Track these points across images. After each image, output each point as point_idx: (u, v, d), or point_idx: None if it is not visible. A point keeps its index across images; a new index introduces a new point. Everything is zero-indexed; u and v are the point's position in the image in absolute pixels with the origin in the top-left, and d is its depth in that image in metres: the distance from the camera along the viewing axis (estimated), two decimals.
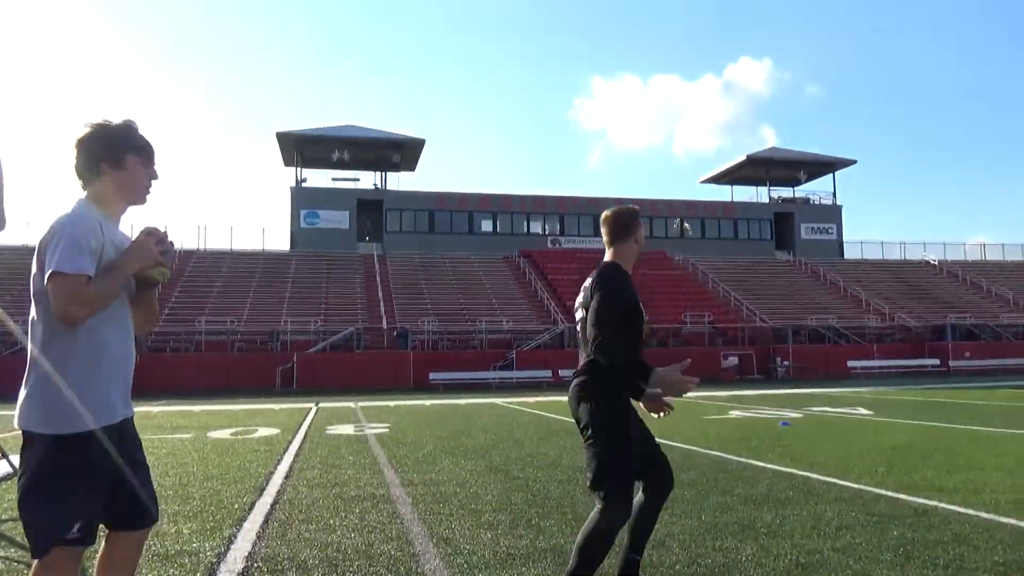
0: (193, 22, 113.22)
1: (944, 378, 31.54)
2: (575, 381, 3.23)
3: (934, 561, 3.85)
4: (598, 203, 49.74)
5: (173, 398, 23.68)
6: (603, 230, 3.45)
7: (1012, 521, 4.73)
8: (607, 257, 3.37)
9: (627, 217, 3.40)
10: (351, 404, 19.87)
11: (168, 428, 12.92)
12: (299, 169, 47.52)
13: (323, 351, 32.84)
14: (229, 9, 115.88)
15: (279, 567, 3.95)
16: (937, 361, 36.00)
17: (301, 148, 47.10)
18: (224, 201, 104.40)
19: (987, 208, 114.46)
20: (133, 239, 2.31)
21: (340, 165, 48.81)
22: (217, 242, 44.26)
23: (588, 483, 3.15)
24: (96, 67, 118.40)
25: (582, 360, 3.25)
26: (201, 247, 43.20)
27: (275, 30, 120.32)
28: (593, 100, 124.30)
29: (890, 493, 5.76)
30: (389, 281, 40.52)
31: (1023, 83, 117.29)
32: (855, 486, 6.10)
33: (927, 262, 50.54)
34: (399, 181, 51.03)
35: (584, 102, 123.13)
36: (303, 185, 47.35)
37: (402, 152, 48.61)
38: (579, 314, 3.27)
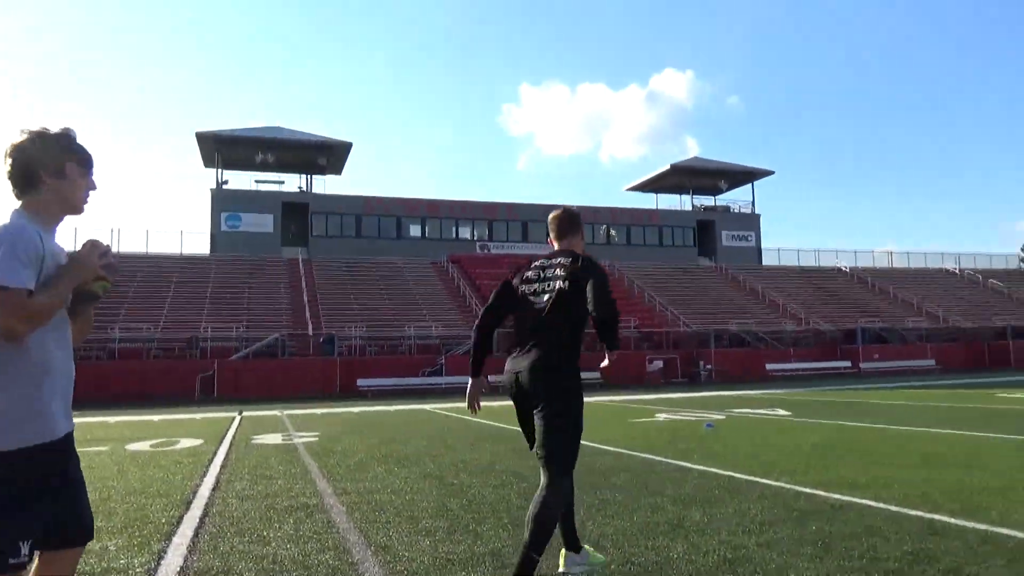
0: (111, 14, 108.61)
1: (855, 379, 33.14)
2: (545, 362, 3.35)
3: (850, 552, 4.09)
4: (526, 209, 50.23)
5: (86, 409, 22.60)
6: (553, 227, 3.71)
7: (919, 513, 5.06)
8: (562, 248, 3.61)
9: (576, 215, 3.76)
10: (277, 412, 19.44)
11: (83, 441, 12.35)
12: (220, 171, 46.18)
13: (246, 358, 31.97)
14: (149, 2, 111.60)
15: None
16: (849, 363, 37.78)
17: (222, 149, 45.79)
18: (139, 203, 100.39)
19: (894, 218, 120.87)
20: (75, 251, 2.26)
21: (264, 167, 47.69)
22: (132, 245, 42.61)
23: (546, 458, 3.35)
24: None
25: (540, 339, 3.38)
26: (115, 251, 41.36)
27: (197, 25, 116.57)
28: (521, 107, 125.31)
29: (808, 490, 6.06)
30: (315, 286, 39.79)
31: (930, 99, 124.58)
32: (776, 484, 6.39)
33: (839, 269, 53.00)
34: (326, 184, 50.19)
35: (512, 108, 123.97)
36: (224, 187, 46.02)
37: (328, 155, 47.86)
38: (545, 298, 3.42)
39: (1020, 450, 8.13)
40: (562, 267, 3.45)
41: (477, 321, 3.71)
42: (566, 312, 3.37)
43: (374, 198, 47.98)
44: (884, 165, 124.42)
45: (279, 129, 47.48)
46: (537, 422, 3.40)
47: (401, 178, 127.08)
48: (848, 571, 3.76)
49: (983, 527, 4.60)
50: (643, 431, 11.66)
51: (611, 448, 9.43)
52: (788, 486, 6.27)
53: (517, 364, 3.47)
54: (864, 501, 5.52)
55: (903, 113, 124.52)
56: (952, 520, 4.82)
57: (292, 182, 49.21)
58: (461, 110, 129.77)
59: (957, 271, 54.51)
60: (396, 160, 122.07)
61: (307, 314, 35.95)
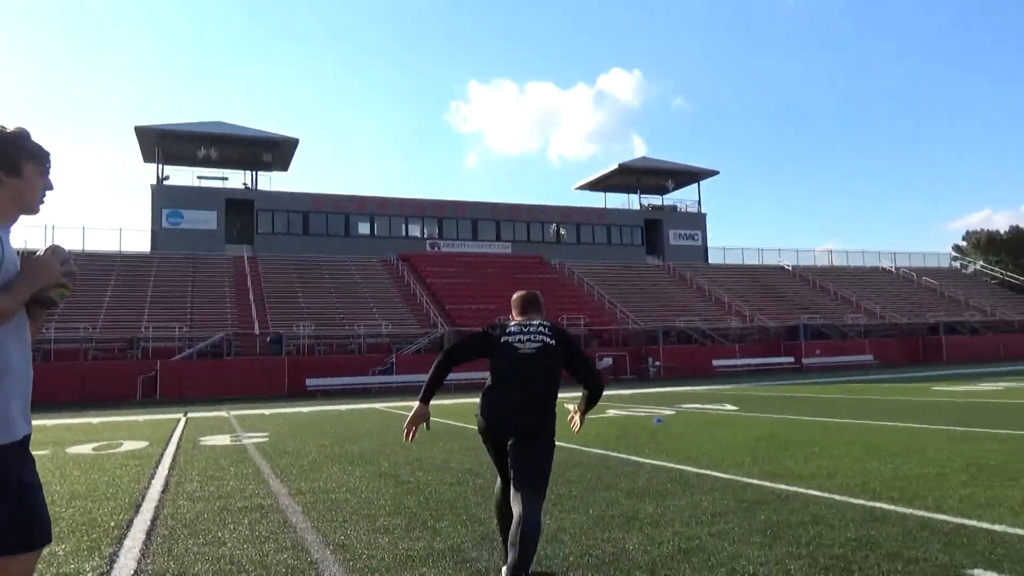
0: (48, 2, 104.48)
1: (798, 374, 34.11)
2: (540, 402, 3.75)
3: (797, 540, 4.26)
4: (476, 207, 50.19)
5: None
6: (518, 305, 4.10)
7: (861, 501, 5.27)
8: (539, 319, 4.01)
9: (538, 296, 4.15)
10: (224, 413, 19.05)
11: None
12: (160, 166, 44.88)
13: (190, 358, 31.21)
14: None
15: None
16: (792, 359, 38.85)
17: (163, 144, 44.52)
18: (75, 199, 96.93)
19: (834, 217, 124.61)
20: (37, 255, 2.21)
21: (207, 163, 46.53)
22: (68, 242, 41.02)
23: (535, 483, 3.61)
24: None
25: (539, 382, 3.78)
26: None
27: (136, 16, 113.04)
28: (470, 104, 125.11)
29: (756, 481, 6.25)
30: (261, 284, 39.06)
31: (870, 103, 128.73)
32: (726, 476, 6.57)
33: (782, 267, 54.42)
34: (271, 181, 49.33)
35: (461, 105, 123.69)
36: (165, 183, 44.75)
37: (274, 152, 46.97)
38: (538, 344, 3.84)
39: (952, 440, 8.52)
40: (545, 327, 3.88)
41: (445, 355, 3.89)
42: (552, 361, 3.79)
43: (322, 195, 47.31)
44: (825, 166, 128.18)
45: (222, 124, 46.41)
46: (527, 451, 3.63)
47: (349, 176, 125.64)
48: (796, 557, 3.91)
49: (920, 513, 4.83)
50: (595, 427, 11.82)
51: (565, 444, 9.53)
52: (737, 478, 6.45)
53: (501, 402, 3.75)
54: (809, 491, 5.72)
55: (844, 115, 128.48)
56: (892, 507, 5.04)
57: (236, 179, 48.16)
58: (410, 107, 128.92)
59: (893, 269, 56.53)
60: (344, 157, 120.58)
61: (253, 313, 35.27)
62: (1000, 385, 19.04)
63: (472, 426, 12.72)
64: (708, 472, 6.84)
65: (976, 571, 3.56)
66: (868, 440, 8.80)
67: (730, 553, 4.04)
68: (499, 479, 3.96)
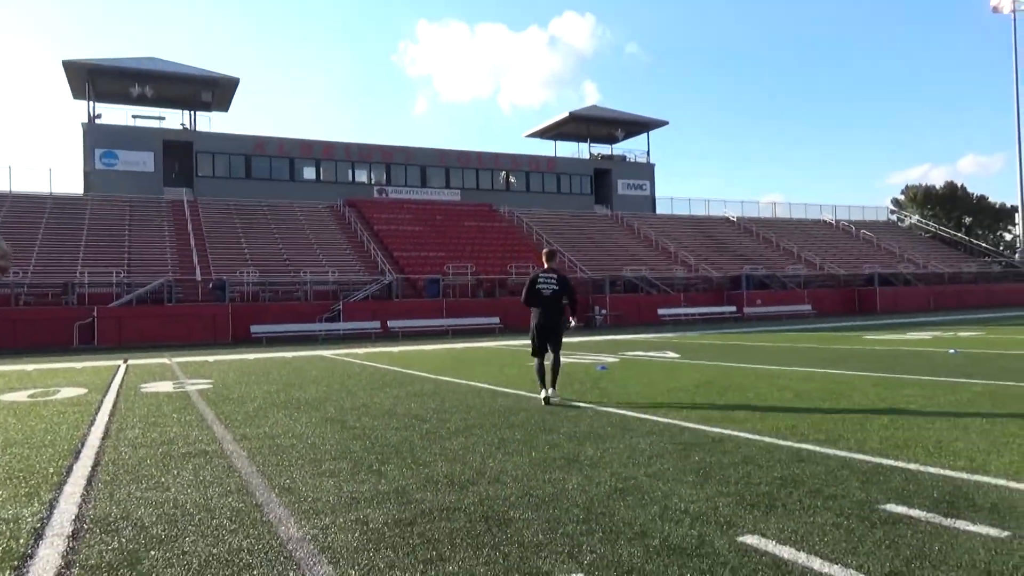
0: None
1: (740, 323, 35.10)
2: (556, 316, 8.55)
3: (727, 479, 4.48)
4: (424, 154, 49.49)
5: None
6: (545, 257, 8.92)
7: (788, 443, 5.55)
8: (553, 265, 8.76)
9: (555, 252, 8.99)
10: (166, 360, 18.73)
11: None
12: (92, 104, 42.82)
13: (129, 304, 30.40)
14: None
15: (113, 527, 3.82)
16: (734, 308, 39.90)
17: (94, 80, 42.40)
18: None
19: (780, 170, 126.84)
20: None
21: (141, 101, 44.57)
22: None
23: (557, 347, 8.60)
24: None
25: (553, 308, 8.56)
26: None
27: None
28: (418, 44, 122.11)
29: (693, 425, 6.50)
30: (203, 229, 38.04)
31: (818, 57, 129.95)
32: (664, 420, 6.81)
33: (727, 218, 55.40)
34: (211, 122, 47.50)
35: (409, 46, 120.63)
36: (98, 122, 42.79)
37: (214, 91, 45.17)
38: (551, 289, 8.54)
39: (877, 386, 8.96)
40: (553, 279, 8.54)
41: (527, 295, 8.57)
42: (559, 296, 8.50)
43: (266, 138, 45.95)
44: (774, 119, 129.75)
45: (157, 60, 44.32)
46: (553, 337, 8.53)
47: (295, 119, 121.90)
48: (725, 495, 4.12)
49: (843, 454, 5.11)
50: None
51: (511, 390, 9.71)
52: (675, 422, 6.70)
53: (542, 317, 8.48)
54: (742, 434, 5.99)
55: (793, 69, 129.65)
56: (817, 448, 5.32)
57: (174, 119, 46.35)
58: (356, 46, 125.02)
59: (834, 222, 58.12)
60: (288, 99, 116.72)
61: (195, 258, 34.42)
62: (927, 334, 19.96)
63: (415, 372, 12.81)
64: (647, 416, 7.07)
65: (889, 506, 3.82)
66: (800, 386, 9.19)
67: (663, 492, 4.23)
68: (537, 360, 8.49)
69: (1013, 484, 4.20)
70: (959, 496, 3.98)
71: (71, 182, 41.46)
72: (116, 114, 44.75)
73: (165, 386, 11.74)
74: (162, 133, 44.09)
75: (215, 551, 3.40)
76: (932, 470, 4.57)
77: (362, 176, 48.28)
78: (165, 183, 42.94)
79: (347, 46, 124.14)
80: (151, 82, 43.36)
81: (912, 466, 4.69)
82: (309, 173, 46.87)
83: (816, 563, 3.02)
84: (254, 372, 14.16)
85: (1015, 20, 31.54)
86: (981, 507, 3.77)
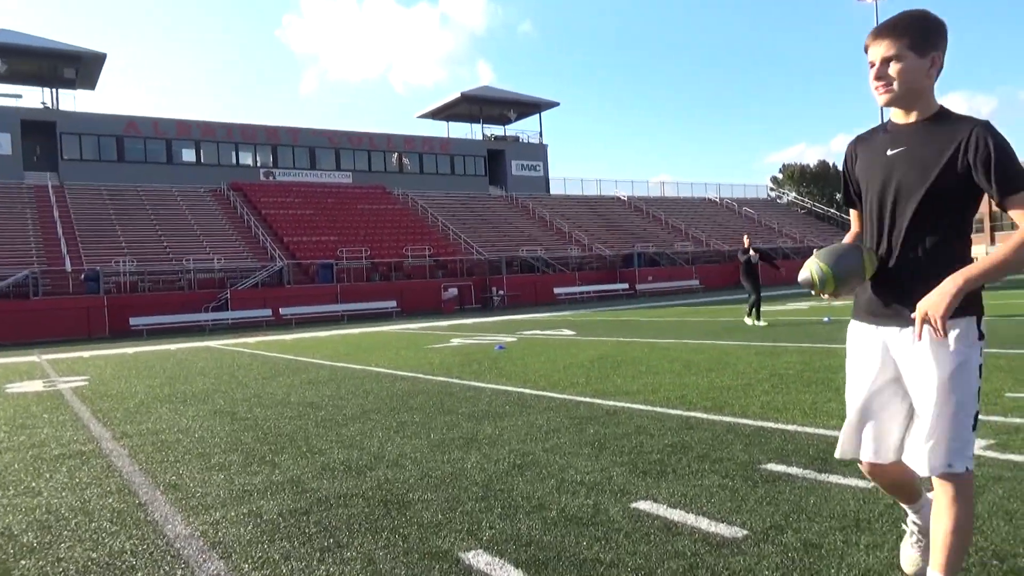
0: None
1: (632, 299, 36.20)
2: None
3: (621, 449, 4.61)
4: (312, 135, 48.02)
5: None
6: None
7: (679, 412, 5.78)
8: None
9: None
10: (34, 358, 17.44)
11: None
12: None
13: None
14: None
15: None
16: (627, 285, 41.10)
17: None
18: None
19: (667, 149, 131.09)
20: None
21: None
22: None
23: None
24: None
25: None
26: None
27: None
28: (303, 18, 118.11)
29: (588, 399, 6.66)
30: (71, 216, 35.52)
31: (705, 39, 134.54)
32: (561, 396, 6.94)
33: (618, 198, 56.85)
34: (76, 101, 44.35)
35: (294, 20, 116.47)
36: None
37: (78, 67, 41.98)
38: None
39: (760, 354, 9.47)
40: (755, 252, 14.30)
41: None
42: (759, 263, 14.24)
43: (139, 118, 43.25)
44: (661, 99, 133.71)
45: (12, 33, 40.80)
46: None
47: (171, 98, 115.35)
48: (620, 464, 4.25)
49: (728, 419, 5.37)
50: (439, 356, 12.00)
51: (408, 374, 9.64)
52: (571, 397, 6.84)
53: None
54: (635, 405, 6.18)
55: (681, 50, 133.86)
56: (704, 415, 5.57)
57: (33, 97, 42.89)
58: (238, 19, 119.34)
59: (718, 200, 60.69)
60: (163, 77, 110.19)
61: (63, 248, 32.11)
62: (804, 304, 21.24)
63: (310, 359, 12.50)
64: (545, 393, 7.19)
65: (770, 465, 4.04)
66: (688, 358, 9.59)
67: (560, 465, 4.32)
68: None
69: None
70: (832, 453, 4.26)
71: None
72: None
73: (34, 385, 10.93)
74: (20, 113, 40.68)
75: (94, 555, 3.20)
76: (808, 430, 4.87)
77: (247, 159, 46.35)
78: (25, 167, 39.72)
79: (228, 19, 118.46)
80: (5, 56, 39.86)
81: (791, 427, 4.98)
82: (188, 155, 44.56)
83: (704, 523, 3.17)
84: (135, 366, 13.41)
85: (877, 8, 33.88)
86: (851, 462, 4.04)
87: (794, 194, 71.29)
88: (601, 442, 4.86)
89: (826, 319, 14.71)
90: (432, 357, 11.86)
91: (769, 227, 55.17)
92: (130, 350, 18.69)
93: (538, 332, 16.59)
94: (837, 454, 2.34)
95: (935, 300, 1.97)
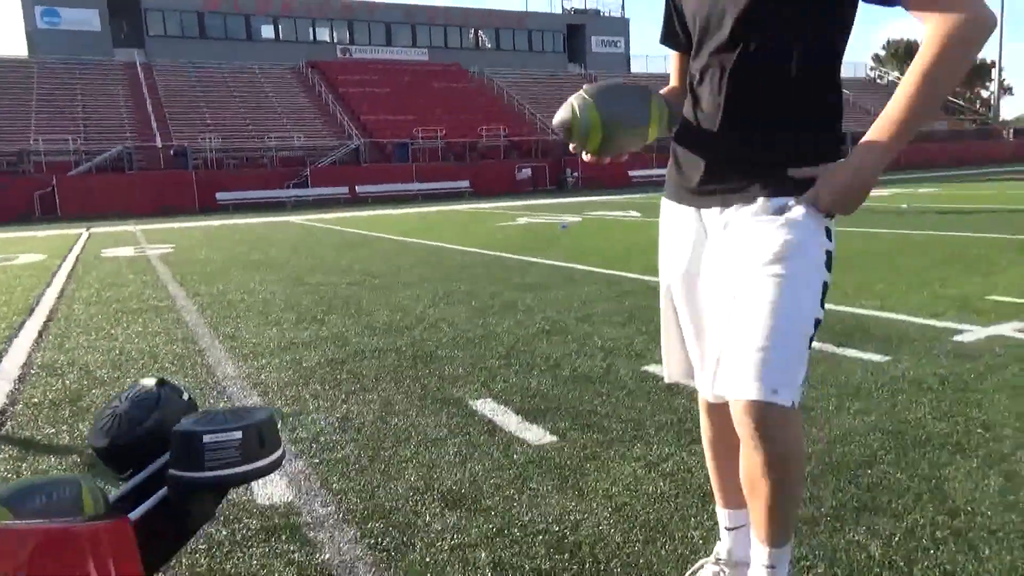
0: None
1: None
2: None
3: (650, 319, 4.74)
4: (389, 9, 47.10)
5: None
6: None
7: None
8: None
9: None
10: (130, 228, 18.62)
11: None
12: None
13: (88, 172, 29.70)
14: None
15: (59, 371, 4.02)
16: None
17: None
18: None
19: None
20: None
21: None
22: None
23: None
24: None
25: None
26: None
27: None
28: None
29: (633, 275, 6.75)
30: (159, 94, 36.58)
31: None
32: (608, 272, 7.05)
33: None
34: None
35: None
36: None
37: None
38: None
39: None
40: None
41: None
42: None
43: None
44: None
45: None
46: None
47: None
48: (643, 333, 4.38)
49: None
50: (503, 233, 12.20)
51: (470, 249, 9.89)
52: (618, 273, 6.94)
53: None
54: None
55: None
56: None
57: None
58: None
59: None
60: None
61: (154, 125, 33.33)
62: (886, 191, 20.23)
63: (381, 234, 12.90)
64: (594, 269, 7.30)
65: None
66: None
67: (587, 332, 4.49)
68: None
69: (914, 319, 4.50)
70: (857, 328, 4.27)
71: (14, 43, 39.24)
72: None
73: (126, 251, 11.77)
74: None
75: None
76: (844, 308, 4.85)
77: (323, 35, 46.06)
78: (114, 44, 40.72)
79: None
80: None
81: (828, 305, 4.96)
82: (267, 32, 44.61)
83: None
84: (217, 237, 14.19)
85: None
86: (874, 337, 4.06)
87: (897, 74, 66.21)
88: (632, 312, 4.99)
89: (905, 206, 14.03)
90: (497, 234, 12.07)
91: (865, 110, 51.78)
92: (215, 223, 19.68)
93: (606, 213, 16.52)
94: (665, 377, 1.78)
95: (842, 196, 1.40)
